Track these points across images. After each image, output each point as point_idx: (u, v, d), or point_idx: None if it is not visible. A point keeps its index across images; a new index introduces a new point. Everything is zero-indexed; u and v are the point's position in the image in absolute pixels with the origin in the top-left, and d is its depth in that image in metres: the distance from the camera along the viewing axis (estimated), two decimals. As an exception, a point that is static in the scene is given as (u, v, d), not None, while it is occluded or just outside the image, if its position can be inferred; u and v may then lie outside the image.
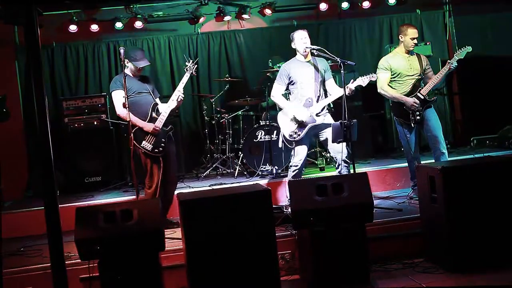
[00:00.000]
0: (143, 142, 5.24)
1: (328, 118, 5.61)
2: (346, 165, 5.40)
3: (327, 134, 5.49)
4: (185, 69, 5.51)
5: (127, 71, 5.42)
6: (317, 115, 5.49)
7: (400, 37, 5.88)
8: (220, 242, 3.94)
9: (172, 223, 5.56)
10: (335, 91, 5.56)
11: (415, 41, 5.81)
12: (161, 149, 5.33)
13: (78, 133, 7.49)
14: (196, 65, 5.53)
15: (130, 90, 5.24)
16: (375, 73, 5.68)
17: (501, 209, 4.34)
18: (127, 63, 5.40)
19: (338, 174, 5.48)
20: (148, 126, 5.28)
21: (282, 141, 5.69)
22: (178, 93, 5.37)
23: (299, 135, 5.49)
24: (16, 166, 7.68)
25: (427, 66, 5.88)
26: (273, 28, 8.76)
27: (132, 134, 5.15)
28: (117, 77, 5.52)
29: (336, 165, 5.54)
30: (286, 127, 5.57)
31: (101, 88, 8.20)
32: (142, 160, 5.34)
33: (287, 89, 5.74)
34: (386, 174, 6.71)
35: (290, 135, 5.53)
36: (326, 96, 5.66)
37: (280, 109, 5.80)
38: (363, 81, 5.46)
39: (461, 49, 5.65)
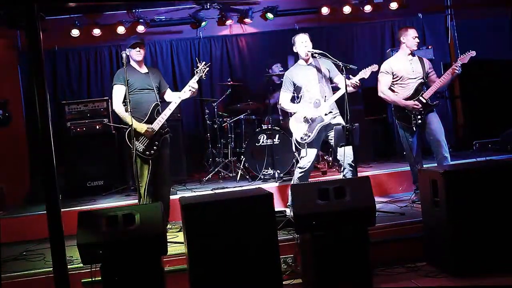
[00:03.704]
0: (136, 142, 5.20)
1: (337, 119, 5.59)
2: (351, 168, 5.38)
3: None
4: (195, 71, 5.52)
5: (132, 63, 5.45)
6: (325, 114, 5.50)
7: (402, 39, 5.88)
8: (222, 246, 3.93)
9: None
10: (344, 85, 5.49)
11: (417, 39, 5.83)
12: (152, 151, 5.32)
13: (81, 137, 7.49)
14: (207, 68, 5.54)
15: (131, 86, 5.24)
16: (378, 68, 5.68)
17: (503, 213, 4.33)
18: (129, 52, 5.41)
19: (343, 177, 5.47)
20: (141, 127, 5.26)
21: (295, 145, 5.71)
22: (193, 85, 5.41)
23: (309, 136, 5.51)
24: (18, 170, 7.70)
25: (430, 69, 5.88)
26: (275, 32, 8.77)
27: (126, 133, 5.20)
28: (120, 71, 5.46)
29: (342, 168, 5.53)
30: (298, 130, 5.60)
31: (104, 92, 8.21)
32: (133, 159, 5.30)
33: (294, 95, 5.78)
34: (388, 178, 6.71)
35: (302, 138, 5.55)
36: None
37: (291, 114, 5.82)
38: (365, 73, 5.45)
39: (465, 54, 5.65)
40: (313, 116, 5.51)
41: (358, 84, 5.41)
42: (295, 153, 6.22)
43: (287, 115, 6.00)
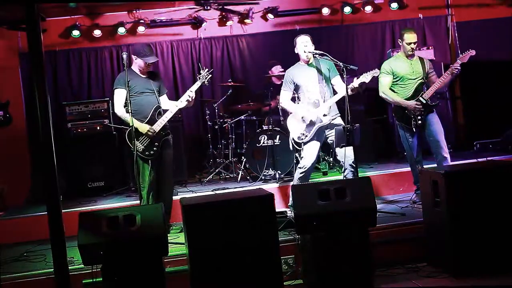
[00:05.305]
0: (136, 142, 5.22)
1: (337, 120, 5.60)
2: (352, 169, 5.37)
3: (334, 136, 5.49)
4: (197, 77, 5.53)
5: (134, 67, 5.46)
6: (324, 115, 5.51)
7: (399, 42, 5.93)
8: (223, 247, 3.94)
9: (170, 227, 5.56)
10: (342, 89, 5.48)
11: (412, 45, 5.80)
12: (152, 152, 5.34)
13: (81, 138, 7.50)
14: (210, 75, 5.55)
15: (132, 90, 5.28)
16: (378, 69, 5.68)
17: (504, 213, 4.33)
18: (135, 59, 5.42)
19: (344, 178, 5.46)
20: (143, 127, 5.28)
21: (292, 144, 5.71)
22: (191, 93, 5.41)
23: (306, 136, 5.52)
24: (19, 171, 7.70)
25: (431, 69, 5.88)
26: (276, 32, 8.76)
27: (126, 133, 5.24)
28: (121, 75, 5.48)
29: (343, 169, 5.53)
30: (295, 129, 5.62)
31: (104, 93, 8.22)
32: (134, 159, 5.30)
33: (295, 95, 5.79)
34: (389, 178, 6.70)
35: (299, 137, 5.56)
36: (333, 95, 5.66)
37: (289, 114, 5.84)
38: (366, 77, 5.44)
39: (464, 53, 5.64)
40: (312, 117, 5.51)
41: (357, 88, 5.40)
42: (296, 153, 6.21)
43: (287, 115, 6.00)
